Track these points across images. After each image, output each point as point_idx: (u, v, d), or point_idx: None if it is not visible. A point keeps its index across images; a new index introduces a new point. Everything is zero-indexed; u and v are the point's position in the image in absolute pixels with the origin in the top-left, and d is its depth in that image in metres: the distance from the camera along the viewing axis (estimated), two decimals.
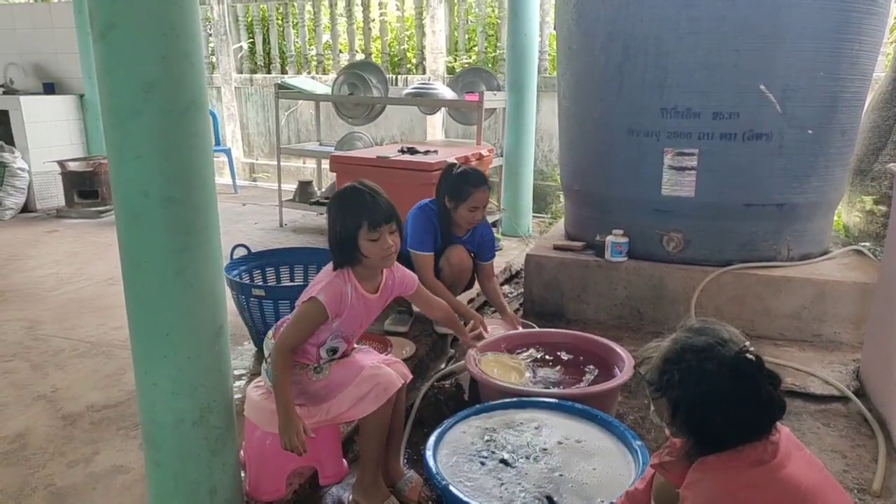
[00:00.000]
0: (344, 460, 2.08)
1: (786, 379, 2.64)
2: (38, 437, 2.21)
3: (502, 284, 4.13)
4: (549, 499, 1.62)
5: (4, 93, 6.01)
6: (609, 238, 3.32)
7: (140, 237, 1.53)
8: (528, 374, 2.44)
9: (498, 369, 2.42)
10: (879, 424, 2.33)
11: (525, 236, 4.92)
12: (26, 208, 5.59)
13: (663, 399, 1.29)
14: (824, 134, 3.08)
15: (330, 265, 1.87)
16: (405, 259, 2.87)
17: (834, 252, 3.42)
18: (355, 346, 1.99)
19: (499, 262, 4.23)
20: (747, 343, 1.28)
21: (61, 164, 5.48)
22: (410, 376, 1.94)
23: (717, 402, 1.22)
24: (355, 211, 1.79)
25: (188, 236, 1.55)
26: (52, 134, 5.75)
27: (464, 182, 2.79)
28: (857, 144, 3.46)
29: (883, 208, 3.49)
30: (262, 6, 7.13)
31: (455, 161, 3.21)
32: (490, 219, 4.80)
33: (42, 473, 2.01)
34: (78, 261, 4.17)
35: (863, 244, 3.50)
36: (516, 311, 3.59)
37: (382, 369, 1.82)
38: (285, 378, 1.76)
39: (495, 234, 4.64)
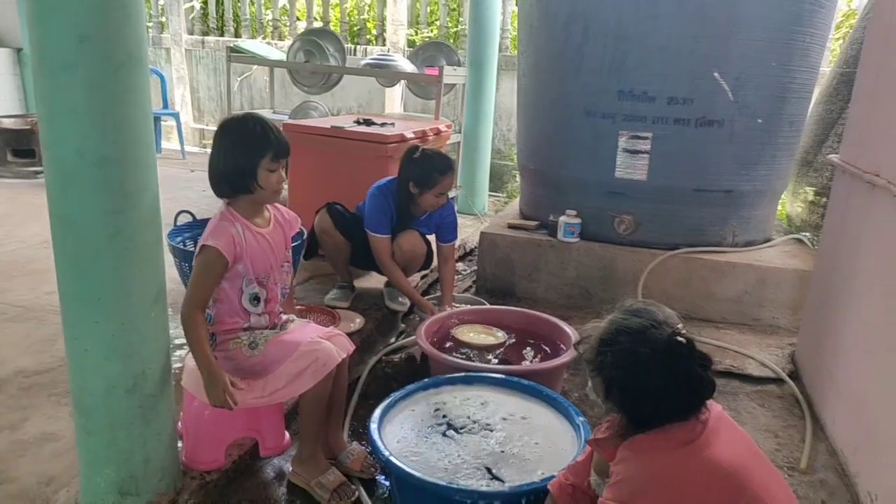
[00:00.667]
0: (287, 433, 2.05)
1: (725, 360, 2.77)
2: None
3: (457, 261, 4.13)
4: (489, 470, 1.64)
5: None
6: (562, 218, 3.34)
7: (72, 198, 1.45)
8: (500, 334, 2.53)
9: (473, 333, 2.51)
10: (808, 406, 2.43)
11: (481, 214, 4.92)
12: None
13: (598, 378, 1.32)
14: (773, 123, 3.15)
15: (216, 217, 1.81)
16: (364, 234, 2.84)
17: (776, 240, 3.53)
18: (293, 317, 1.95)
19: None
20: (680, 325, 1.30)
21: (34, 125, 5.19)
22: (352, 348, 1.91)
23: (649, 384, 1.25)
24: (259, 141, 1.75)
25: (124, 198, 1.48)
26: None
27: (431, 168, 2.74)
28: (803, 136, 3.56)
29: (824, 199, 3.62)
30: None
31: (407, 136, 3.16)
32: None
33: None
34: (10, 222, 3.96)
35: (803, 234, 3.62)
36: (468, 288, 3.60)
37: (321, 344, 1.79)
38: (199, 337, 1.70)
39: None
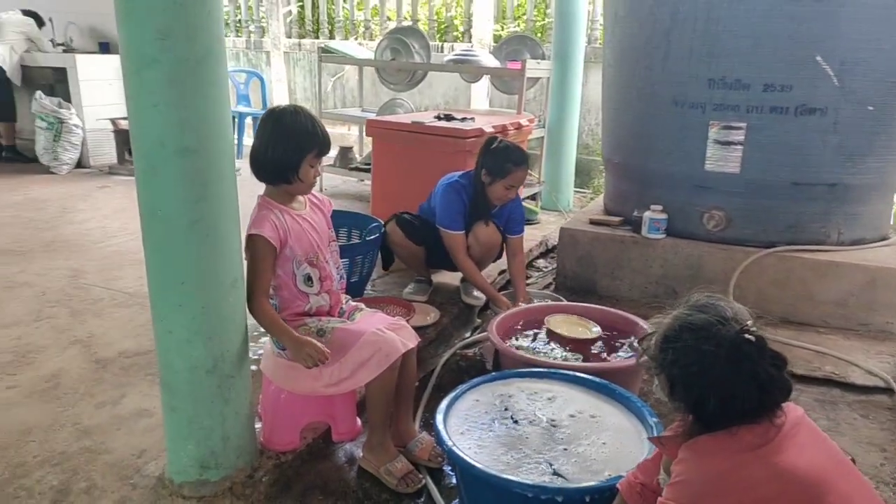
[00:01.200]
0: (358, 419, 2.09)
1: (824, 367, 2.57)
2: (71, 378, 2.30)
3: (538, 258, 4.08)
4: (551, 465, 1.60)
5: (64, 51, 6.20)
6: (647, 214, 3.21)
7: (156, 187, 1.55)
8: (596, 329, 2.48)
9: (566, 327, 2.47)
10: None
11: (565, 211, 4.83)
12: (81, 164, 5.79)
13: (662, 375, 1.26)
14: (887, 111, 2.88)
15: (254, 208, 1.88)
16: (436, 231, 2.85)
17: (893, 238, 3.22)
18: (362, 306, 1.99)
19: (535, 236, 4.18)
20: (749, 322, 1.22)
21: (114, 121, 5.64)
22: (417, 340, 1.92)
23: (714, 383, 1.18)
24: (306, 136, 1.82)
25: (204, 187, 1.56)
26: (106, 92, 5.90)
27: (505, 159, 2.71)
28: None
29: None
30: None
31: (487, 131, 3.15)
32: (529, 191, 4.74)
33: (71, 412, 2.09)
34: (125, 216, 4.30)
35: None
36: (548, 285, 3.54)
37: (385, 335, 1.81)
38: (270, 317, 1.79)
39: (534, 207, 4.60)
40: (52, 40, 6.29)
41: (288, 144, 1.82)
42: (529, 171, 4.86)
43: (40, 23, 6.05)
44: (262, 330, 2.68)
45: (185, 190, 1.54)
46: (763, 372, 1.17)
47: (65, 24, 6.48)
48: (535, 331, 2.51)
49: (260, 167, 1.87)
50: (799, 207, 3.01)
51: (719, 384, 1.18)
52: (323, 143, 1.85)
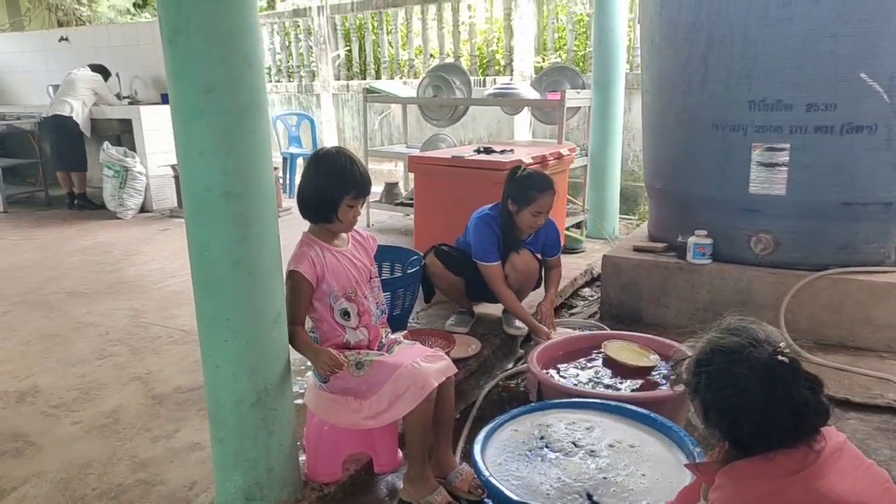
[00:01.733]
0: (400, 451, 2.12)
1: (887, 394, 2.45)
2: (130, 413, 2.42)
3: (584, 286, 4.05)
4: (590, 497, 1.58)
5: (129, 103, 6.62)
6: (691, 239, 3.16)
7: (203, 228, 1.65)
8: (654, 357, 2.45)
9: (625, 354, 2.46)
10: None
11: (611, 238, 4.78)
12: (144, 209, 6.12)
13: (696, 400, 1.25)
14: None
15: (297, 244, 1.97)
16: (474, 265, 2.88)
17: None
18: (401, 339, 2.03)
19: (580, 265, 4.16)
20: (782, 344, 1.20)
21: (174, 168, 5.95)
22: (454, 371, 1.94)
23: (746, 407, 1.16)
24: (346, 178, 1.91)
25: (246, 228, 1.65)
26: (168, 140, 6.22)
27: (529, 186, 2.74)
28: None
29: None
30: (358, 16, 7.40)
31: (526, 162, 3.18)
32: (574, 220, 4.73)
33: (129, 446, 2.20)
34: (183, 257, 4.41)
35: None
36: (594, 314, 3.51)
37: (420, 367, 1.84)
38: (300, 337, 1.88)
39: (578, 236, 4.58)
40: (118, 94, 6.72)
41: (327, 184, 1.92)
42: (573, 199, 4.90)
43: (107, 77, 6.48)
44: (308, 364, 2.77)
45: (229, 231, 1.63)
46: (798, 395, 1.15)
47: (130, 77, 6.92)
48: (591, 357, 2.50)
49: (303, 205, 1.97)
50: (851, 228, 2.91)
51: (753, 407, 1.16)
52: (360, 184, 1.93)
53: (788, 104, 2.83)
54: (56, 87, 6.54)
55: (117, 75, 6.76)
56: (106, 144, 5.92)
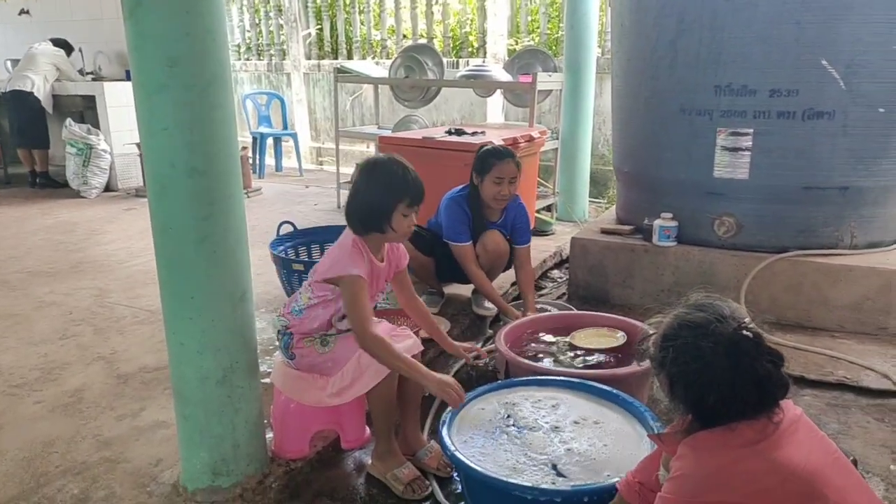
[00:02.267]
0: (367, 427, 2.14)
1: (837, 371, 2.54)
2: (94, 392, 2.39)
3: (553, 268, 4.10)
4: (555, 467, 1.62)
5: (93, 79, 6.44)
6: (657, 222, 3.22)
7: (167, 206, 1.63)
8: (620, 335, 2.47)
9: (594, 340, 2.47)
10: None
11: (580, 221, 4.84)
12: (109, 187, 5.99)
13: (662, 374, 1.28)
14: None
15: (343, 239, 1.90)
16: (444, 243, 2.90)
17: None
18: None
19: (549, 247, 4.21)
20: (747, 320, 1.24)
21: (140, 146, 5.82)
22: (419, 349, 1.96)
23: (712, 380, 1.20)
24: (399, 185, 1.82)
25: (211, 205, 1.64)
26: (132, 118, 6.04)
27: (488, 155, 2.78)
28: None
29: None
30: None
31: (501, 142, 3.20)
32: (544, 202, 4.77)
33: (93, 424, 2.18)
34: (148, 236, 4.34)
35: None
36: (561, 295, 3.56)
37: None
38: (393, 353, 1.78)
39: (548, 219, 4.62)
40: (81, 69, 6.54)
41: (379, 192, 1.82)
42: (543, 182, 4.93)
43: (70, 51, 6.29)
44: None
45: (194, 208, 1.62)
46: (761, 368, 1.19)
47: (94, 52, 6.73)
48: (557, 340, 2.53)
49: (352, 215, 1.87)
50: (810, 212, 3.00)
51: (718, 380, 1.20)
52: (415, 192, 1.84)
53: (753, 90, 2.89)
54: (15, 61, 6.33)
55: (80, 50, 6.57)
56: (69, 121, 5.77)
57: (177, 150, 1.58)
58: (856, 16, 2.72)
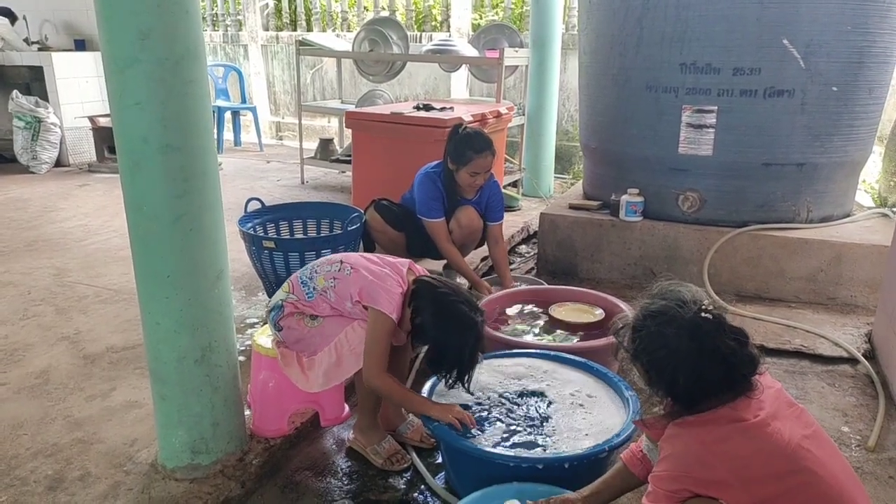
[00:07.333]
0: (346, 405, 2.15)
1: (794, 340, 2.67)
2: (60, 374, 2.33)
3: (520, 243, 4.15)
4: (535, 438, 1.67)
5: (39, 49, 6.13)
6: (624, 197, 3.29)
7: (141, 183, 1.59)
8: (598, 312, 2.54)
9: (572, 314, 2.54)
10: (883, 385, 2.31)
11: (546, 197, 4.90)
12: (60, 163, 5.76)
13: (637, 364, 1.34)
14: (850, 91, 2.97)
15: (393, 276, 1.86)
16: (416, 218, 2.90)
17: (857, 215, 3.33)
18: None
19: (516, 222, 4.25)
20: (706, 302, 1.29)
21: (92, 119, 5.61)
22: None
23: (680, 363, 1.26)
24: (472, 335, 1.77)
25: (186, 182, 1.60)
26: (83, 90, 5.86)
27: (466, 146, 2.77)
28: (887, 104, 3.33)
29: None
30: None
31: (466, 120, 3.20)
32: (510, 178, 4.80)
33: (62, 406, 2.13)
34: (106, 213, 4.30)
35: (891, 208, 3.39)
36: (530, 270, 3.61)
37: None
38: (399, 391, 1.81)
39: (514, 194, 4.66)
40: (26, 39, 6.22)
41: (462, 344, 1.75)
42: (510, 158, 4.96)
43: (14, 20, 5.98)
44: (250, 321, 2.74)
45: (169, 186, 1.58)
46: (724, 346, 1.25)
47: (39, 21, 6.40)
48: (533, 312, 2.59)
49: (439, 364, 1.81)
50: (769, 187, 3.10)
51: (685, 363, 1.26)
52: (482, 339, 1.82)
53: (717, 68, 2.95)
54: None
55: (24, 18, 6.23)
56: (15, 93, 5.50)
57: (150, 125, 1.53)
58: None
